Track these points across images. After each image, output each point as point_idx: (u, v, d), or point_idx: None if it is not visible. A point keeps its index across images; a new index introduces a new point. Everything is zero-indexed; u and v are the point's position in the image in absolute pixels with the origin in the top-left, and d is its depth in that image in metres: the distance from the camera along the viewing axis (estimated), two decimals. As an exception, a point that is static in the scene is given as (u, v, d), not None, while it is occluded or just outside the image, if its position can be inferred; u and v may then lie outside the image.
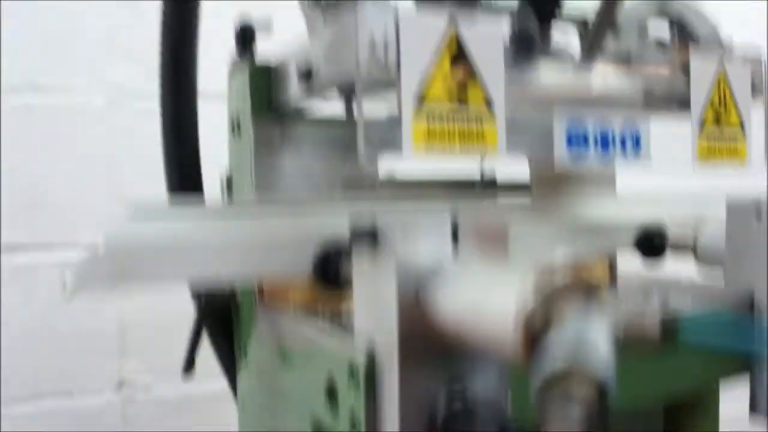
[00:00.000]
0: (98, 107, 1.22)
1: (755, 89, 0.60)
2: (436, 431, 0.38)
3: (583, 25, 0.71)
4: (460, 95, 0.45)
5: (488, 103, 0.46)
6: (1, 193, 1.14)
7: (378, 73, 0.44)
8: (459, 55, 0.45)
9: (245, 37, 0.67)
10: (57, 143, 1.18)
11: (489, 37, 0.46)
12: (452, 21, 0.44)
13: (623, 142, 0.53)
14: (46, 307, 1.17)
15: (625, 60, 0.71)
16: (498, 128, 0.46)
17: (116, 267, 0.49)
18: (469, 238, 0.41)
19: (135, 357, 1.23)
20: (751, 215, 0.55)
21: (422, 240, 0.41)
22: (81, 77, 1.21)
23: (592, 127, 0.52)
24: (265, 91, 0.64)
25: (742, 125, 0.59)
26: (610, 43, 0.71)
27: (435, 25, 0.44)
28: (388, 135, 0.45)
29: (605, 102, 0.55)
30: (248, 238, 0.53)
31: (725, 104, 0.57)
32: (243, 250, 0.52)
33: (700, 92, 0.56)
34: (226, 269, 0.53)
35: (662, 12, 0.67)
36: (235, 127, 0.68)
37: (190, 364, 0.72)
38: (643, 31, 0.70)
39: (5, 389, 1.15)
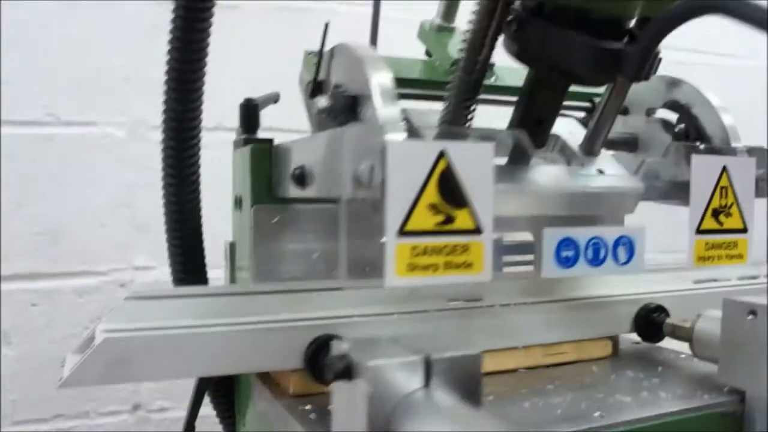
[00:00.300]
0: (120, 140, 1.24)
1: (759, 188, 0.59)
2: None
3: (588, 111, 0.70)
4: (447, 225, 0.45)
5: (476, 230, 0.46)
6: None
7: (363, 197, 0.44)
8: (447, 180, 0.45)
9: (248, 113, 0.67)
10: (78, 173, 1.21)
11: (479, 164, 0.45)
12: (442, 150, 0.44)
13: (615, 252, 0.53)
14: (66, 331, 1.22)
15: (631, 142, 0.71)
16: (485, 254, 0.46)
17: (106, 368, 0.50)
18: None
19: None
20: (745, 313, 0.55)
21: (396, 369, 0.42)
22: (102, 110, 1.23)
23: (581, 239, 0.51)
24: (266, 172, 0.64)
25: (744, 224, 0.58)
26: (618, 123, 0.70)
27: (424, 152, 0.44)
28: (372, 256, 0.45)
29: (598, 202, 0.55)
30: (240, 329, 0.54)
31: (727, 205, 0.57)
32: (234, 342, 0.53)
33: (700, 196, 0.55)
34: (217, 364, 0.53)
35: (672, 95, 0.66)
36: (237, 202, 0.68)
37: (190, 427, 0.73)
38: (651, 110, 0.69)
39: (28, 410, 1.20)
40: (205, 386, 0.71)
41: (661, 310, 0.68)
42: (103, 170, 1.23)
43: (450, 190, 0.45)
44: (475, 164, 0.46)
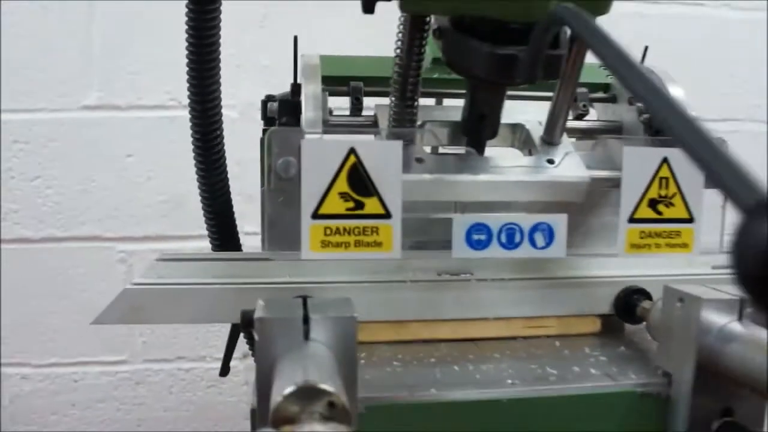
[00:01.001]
0: (233, 119, 1.41)
1: None
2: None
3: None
4: (358, 210, 0.53)
5: (386, 215, 0.54)
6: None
7: (283, 187, 0.54)
8: (357, 172, 0.53)
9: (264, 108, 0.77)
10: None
11: (388, 159, 0.53)
12: (352, 147, 0.53)
13: (531, 237, 0.58)
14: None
15: (616, 130, 0.73)
16: (394, 235, 0.54)
17: (123, 312, 0.64)
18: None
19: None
20: (676, 300, 0.58)
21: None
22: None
23: (494, 224, 0.57)
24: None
25: (689, 215, 0.60)
26: (608, 111, 0.74)
27: (336, 149, 0.53)
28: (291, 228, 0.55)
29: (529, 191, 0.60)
30: (228, 288, 0.65)
31: (668, 196, 0.59)
32: (222, 297, 0.64)
33: (633, 186, 0.58)
34: (206, 315, 0.65)
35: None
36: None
37: (225, 369, 0.85)
38: (632, 99, 0.72)
39: (156, 351, 1.43)
40: (238, 331, 0.83)
41: (642, 293, 0.70)
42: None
43: (359, 181, 0.53)
44: (384, 159, 0.54)
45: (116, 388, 1.52)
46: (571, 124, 0.72)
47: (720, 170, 0.28)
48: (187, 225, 1.42)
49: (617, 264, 0.71)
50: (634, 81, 0.35)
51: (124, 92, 1.42)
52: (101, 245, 1.46)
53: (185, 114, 0.77)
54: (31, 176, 1.45)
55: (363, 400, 0.52)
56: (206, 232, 0.83)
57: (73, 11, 1.40)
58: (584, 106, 0.72)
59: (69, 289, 1.47)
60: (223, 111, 1.42)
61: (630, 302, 0.70)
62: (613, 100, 0.74)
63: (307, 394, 0.41)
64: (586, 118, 0.73)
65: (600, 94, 0.75)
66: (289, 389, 0.40)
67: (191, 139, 0.77)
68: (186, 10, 0.69)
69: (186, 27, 0.69)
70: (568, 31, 0.55)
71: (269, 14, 1.46)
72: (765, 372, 0.50)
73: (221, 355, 1.45)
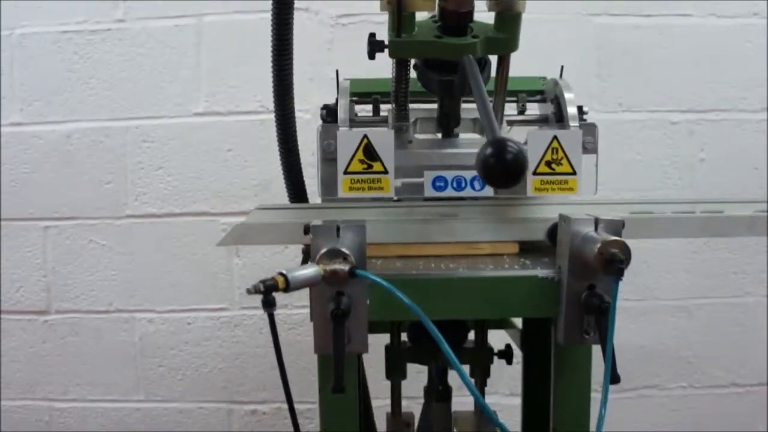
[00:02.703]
0: (307, 120, 1.84)
1: (588, 149, 0.99)
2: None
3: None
4: (369, 169, 0.95)
5: (384, 171, 0.95)
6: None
7: (330, 155, 0.95)
8: (368, 148, 0.94)
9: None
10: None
11: (385, 140, 0.94)
12: (365, 134, 0.94)
13: (472, 184, 0.97)
14: (274, 249, 1.87)
15: (544, 122, 1.12)
16: (390, 183, 0.95)
17: (235, 238, 1.05)
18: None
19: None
20: (564, 221, 0.96)
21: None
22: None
23: (449, 176, 0.97)
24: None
25: (572, 169, 0.98)
26: (541, 106, 1.12)
27: (356, 135, 0.94)
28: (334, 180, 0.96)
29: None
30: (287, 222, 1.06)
31: (558, 158, 0.97)
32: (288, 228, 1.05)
33: (536, 150, 0.97)
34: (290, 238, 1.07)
35: (554, 91, 1.07)
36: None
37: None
38: (556, 100, 1.10)
39: (249, 300, 1.87)
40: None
41: (562, 226, 1.08)
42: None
43: (369, 153, 0.95)
44: (383, 140, 0.95)
45: (219, 329, 1.99)
46: (515, 118, 1.11)
47: (489, 126, 0.69)
48: (273, 202, 1.86)
49: (539, 210, 1.08)
50: (478, 99, 0.75)
51: (225, 102, 1.89)
52: (208, 219, 1.93)
53: (271, 117, 1.16)
54: (155, 167, 1.93)
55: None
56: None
57: (185, 40, 1.88)
58: (523, 105, 1.11)
59: (184, 252, 1.95)
60: (299, 113, 1.85)
61: (554, 231, 1.08)
62: (543, 101, 1.13)
63: (333, 254, 0.82)
64: (526, 113, 1.12)
65: (536, 97, 1.14)
66: (325, 249, 0.82)
67: (276, 133, 1.18)
68: (271, 43, 1.09)
69: (271, 54, 1.09)
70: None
71: (335, 39, 1.89)
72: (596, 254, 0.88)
73: (300, 304, 1.88)
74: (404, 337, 1.20)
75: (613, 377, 0.89)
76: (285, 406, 2.01)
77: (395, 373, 1.20)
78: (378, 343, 1.14)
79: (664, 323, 2.00)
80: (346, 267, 0.81)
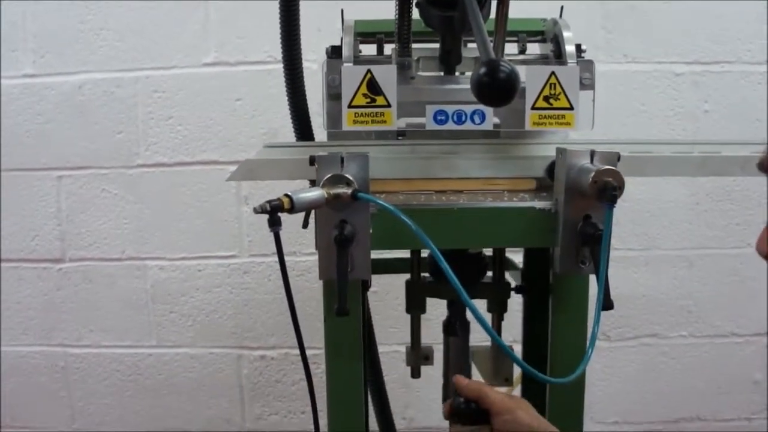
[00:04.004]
0: (314, 71, 1.86)
1: (585, 84, 1.01)
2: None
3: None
4: (373, 103, 0.98)
5: (387, 105, 0.98)
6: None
7: (334, 90, 0.98)
8: (372, 83, 0.97)
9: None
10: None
11: (388, 75, 0.97)
12: (368, 69, 0.97)
13: (472, 117, 1.00)
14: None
15: (544, 60, 1.14)
16: (393, 116, 0.98)
17: (244, 173, 1.09)
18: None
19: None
20: (560, 154, 0.98)
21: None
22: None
23: (450, 110, 1.00)
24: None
25: (569, 104, 1.01)
26: (541, 47, 1.15)
27: (360, 70, 0.97)
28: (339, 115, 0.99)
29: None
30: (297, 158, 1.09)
31: (556, 93, 1.00)
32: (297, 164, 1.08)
33: (534, 85, 1.00)
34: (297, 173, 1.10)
35: (553, 30, 1.09)
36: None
37: (306, 223, 1.29)
38: (555, 39, 1.12)
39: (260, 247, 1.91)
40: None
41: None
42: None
43: (373, 87, 0.98)
44: (386, 76, 0.98)
45: (229, 276, 2.04)
46: (515, 57, 1.13)
47: (483, 48, 0.71)
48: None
49: (541, 148, 1.11)
50: (475, 27, 0.78)
51: (234, 52, 1.92)
52: (218, 168, 1.97)
53: (279, 67, 1.17)
54: (166, 116, 1.97)
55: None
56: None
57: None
58: (523, 45, 1.13)
59: (194, 200, 1.99)
60: (307, 63, 1.87)
61: (553, 168, 1.11)
62: (543, 41, 1.15)
63: (337, 179, 0.86)
64: (526, 52, 1.14)
65: (537, 38, 1.16)
66: (329, 175, 0.86)
67: (284, 80, 1.20)
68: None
69: (279, 6, 1.12)
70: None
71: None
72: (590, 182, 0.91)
73: (308, 251, 1.92)
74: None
75: (606, 303, 0.93)
76: (293, 351, 2.10)
77: (415, 307, 1.25)
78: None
79: (666, 273, 2.04)
80: (348, 191, 0.84)
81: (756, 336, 2.08)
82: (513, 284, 1.23)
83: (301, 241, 1.95)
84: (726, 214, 2.01)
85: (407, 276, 1.24)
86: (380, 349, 1.53)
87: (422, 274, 1.23)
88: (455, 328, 1.20)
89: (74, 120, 1.98)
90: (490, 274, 1.21)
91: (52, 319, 2.10)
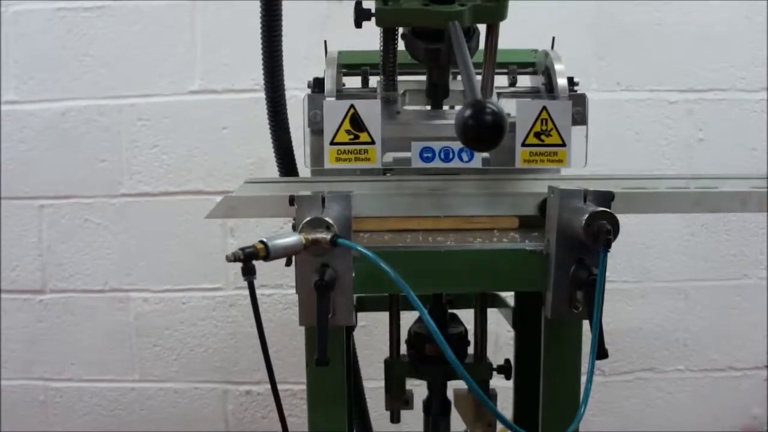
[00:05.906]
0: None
1: (578, 120, 0.97)
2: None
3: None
4: (356, 140, 0.93)
5: (372, 142, 0.93)
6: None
7: (316, 126, 0.94)
8: (355, 118, 0.93)
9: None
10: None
11: (372, 111, 0.93)
12: (351, 104, 0.93)
13: (460, 155, 0.96)
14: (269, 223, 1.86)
15: (535, 93, 1.10)
16: (377, 154, 0.94)
17: (224, 211, 1.04)
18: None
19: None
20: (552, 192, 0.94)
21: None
22: (291, 80, 1.82)
23: (436, 147, 0.96)
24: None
25: (562, 141, 0.97)
26: (535, 80, 1.11)
27: (343, 105, 0.93)
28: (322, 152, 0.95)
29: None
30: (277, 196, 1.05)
31: (547, 129, 0.96)
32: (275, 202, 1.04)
33: (525, 121, 0.96)
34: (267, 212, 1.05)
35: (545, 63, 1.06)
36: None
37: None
38: (546, 72, 1.08)
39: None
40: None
41: (555, 200, 1.07)
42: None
43: (356, 123, 0.93)
44: (370, 111, 0.94)
45: (214, 309, 1.98)
46: (505, 90, 1.09)
47: (469, 88, 0.67)
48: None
49: (529, 184, 1.07)
50: (461, 64, 0.74)
51: (220, 80, 1.87)
52: (203, 198, 1.92)
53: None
54: (150, 145, 1.92)
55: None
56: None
57: (179, 17, 1.86)
58: (513, 77, 1.09)
59: (179, 231, 1.94)
60: (294, 92, 1.83)
61: (545, 205, 1.07)
62: (534, 73, 1.11)
63: (316, 223, 0.81)
64: (517, 85, 1.10)
65: (528, 70, 1.12)
66: (308, 218, 0.81)
67: (267, 114, 1.16)
68: (260, 22, 1.09)
69: (261, 35, 1.09)
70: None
71: (331, 15, 1.87)
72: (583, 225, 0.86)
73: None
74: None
75: (600, 352, 0.88)
76: (281, 387, 2.03)
77: (395, 388, 1.20)
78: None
79: (662, 305, 1.99)
80: (328, 236, 0.80)
81: (754, 369, 2.03)
82: (494, 365, 1.18)
83: (288, 273, 1.89)
84: (722, 245, 1.97)
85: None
86: (369, 384, 1.47)
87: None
88: (437, 408, 1.15)
89: (57, 148, 1.94)
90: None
91: (32, 352, 2.04)
